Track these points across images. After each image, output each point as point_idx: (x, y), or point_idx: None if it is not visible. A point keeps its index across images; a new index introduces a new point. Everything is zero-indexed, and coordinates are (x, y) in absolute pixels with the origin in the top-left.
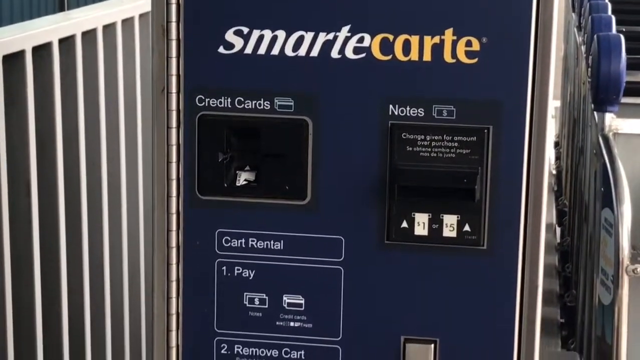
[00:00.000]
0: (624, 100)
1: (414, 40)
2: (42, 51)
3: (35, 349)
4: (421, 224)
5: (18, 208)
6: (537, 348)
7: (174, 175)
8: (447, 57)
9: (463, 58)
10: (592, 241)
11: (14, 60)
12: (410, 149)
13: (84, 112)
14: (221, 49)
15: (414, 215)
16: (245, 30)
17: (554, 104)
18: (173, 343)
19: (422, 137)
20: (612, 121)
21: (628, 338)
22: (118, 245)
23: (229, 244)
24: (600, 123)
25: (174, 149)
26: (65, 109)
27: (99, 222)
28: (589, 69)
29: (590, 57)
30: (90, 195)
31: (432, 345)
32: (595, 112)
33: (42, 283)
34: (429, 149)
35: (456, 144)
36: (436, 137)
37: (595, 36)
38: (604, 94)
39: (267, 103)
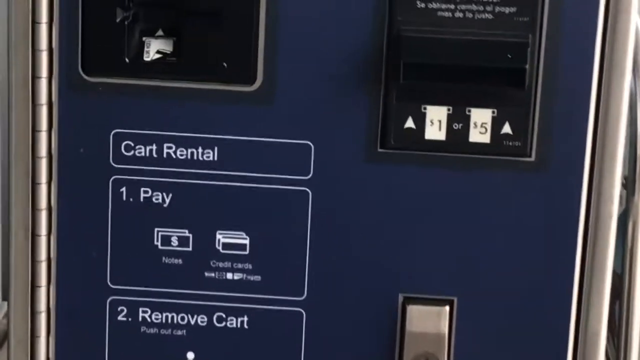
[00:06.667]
0: None
1: None
2: None
3: None
4: (436, 122)
5: None
6: (605, 311)
7: (43, 45)
8: None
9: None
10: None
11: None
12: (423, 5)
13: None
14: None
15: (425, 109)
16: None
17: None
18: (42, 306)
19: None
20: None
21: None
22: None
23: (132, 152)
24: None
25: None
26: None
27: None
28: None
29: None
30: None
31: (447, 308)
32: None
33: None
34: (453, 6)
35: (495, 0)
36: None
37: None
38: None
39: None
